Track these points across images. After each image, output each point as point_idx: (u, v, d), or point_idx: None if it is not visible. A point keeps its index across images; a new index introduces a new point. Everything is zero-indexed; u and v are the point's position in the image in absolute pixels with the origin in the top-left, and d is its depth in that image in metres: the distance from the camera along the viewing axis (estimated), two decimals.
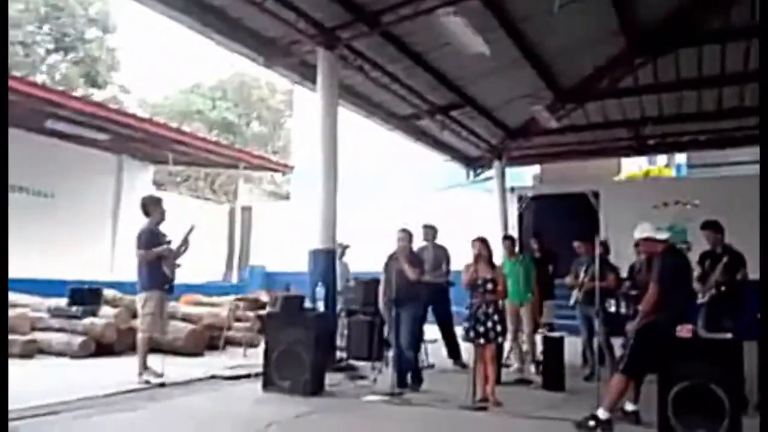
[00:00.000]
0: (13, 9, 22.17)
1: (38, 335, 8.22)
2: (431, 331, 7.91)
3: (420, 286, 6.61)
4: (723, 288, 5.99)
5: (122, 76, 27.43)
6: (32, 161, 11.94)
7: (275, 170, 18.12)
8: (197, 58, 35.45)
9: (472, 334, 5.86)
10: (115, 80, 26.97)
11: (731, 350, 4.51)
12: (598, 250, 6.27)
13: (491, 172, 14.30)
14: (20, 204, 12.00)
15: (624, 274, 7.14)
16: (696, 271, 6.03)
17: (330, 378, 6.49)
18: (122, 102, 24.72)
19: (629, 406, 5.04)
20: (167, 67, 38.62)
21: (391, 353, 6.70)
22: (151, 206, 6.81)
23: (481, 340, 5.81)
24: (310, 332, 6.23)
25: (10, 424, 4.08)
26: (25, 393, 5.33)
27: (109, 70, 26.46)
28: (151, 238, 6.62)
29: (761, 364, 4.49)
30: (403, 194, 16.56)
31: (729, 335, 4.71)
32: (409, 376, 6.49)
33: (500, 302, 6.11)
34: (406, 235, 6.72)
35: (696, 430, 4.27)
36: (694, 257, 6.08)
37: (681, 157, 18.73)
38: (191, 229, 6.80)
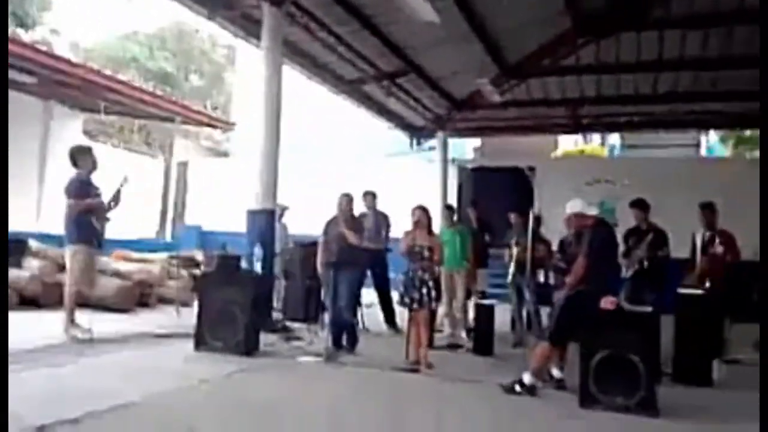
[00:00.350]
0: None
1: None
2: (368, 295, 8.02)
3: (360, 251, 6.67)
4: (646, 263, 6.33)
5: (53, 17, 25.79)
6: None
7: (215, 126, 17.55)
8: (136, 2, 33.69)
9: (407, 299, 5.99)
10: (45, 21, 25.33)
11: (650, 323, 4.79)
12: (531, 223, 6.48)
13: (434, 142, 14.42)
14: None
15: (555, 247, 7.40)
16: (621, 247, 6.33)
17: (265, 339, 6.49)
18: (52, 44, 23.27)
19: (555, 373, 5.29)
20: (103, 11, 36.48)
21: (327, 316, 6.75)
22: (80, 156, 6.55)
23: (416, 306, 5.96)
24: (246, 293, 6.19)
25: None
26: None
27: (39, 10, 24.80)
28: (81, 189, 6.38)
29: (761, 360, 4.74)
30: (347, 159, 16.50)
31: (649, 309, 4.99)
32: (344, 338, 6.58)
33: (436, 269, 6.25)
34: (348, 199, 6.76)
35: (614, 397, 4.54)
36: (619, 234, 6.37)
37: (615, 138, 19.44)
38: (124, 182, 6.58)
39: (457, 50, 10.22)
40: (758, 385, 3.95)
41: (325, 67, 10.78)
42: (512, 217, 7.95)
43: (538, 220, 7.91)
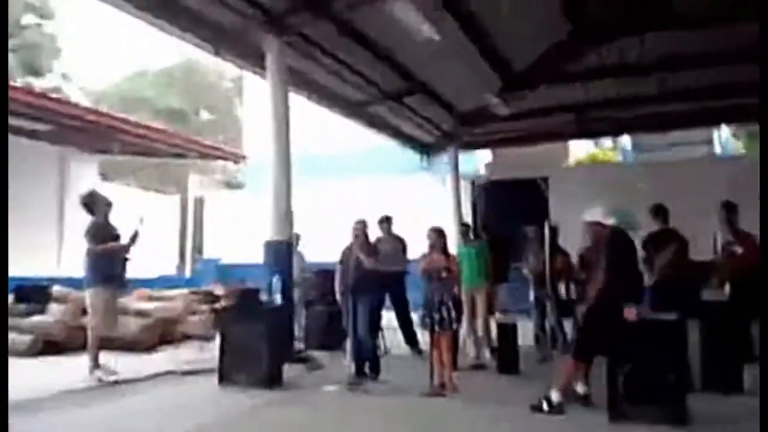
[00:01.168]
0: None
1: None
2: (388, 318, 7.98)
3: (376, 275, 6.65)
4: (669, 270, 6.22)
5: (63, 64, 26.41)
6: None
7: (227, 159, 17.77)
8: (142, 43, 34.36)
9: (427, 321, 5.95)
10: (56, 68, 25.94)
11: (676, 330, 4.70)
12: (547, 235, 6.44)
13: (445, 158, 14.41)
14: None
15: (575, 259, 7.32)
16: (641, 254, 6.23)
17: (288, 369, 6.48)
18: (64, 91, 23.80)
19: (580, 388, 5.16)
20: (111, 54, 37.23)
21: (348, 343, 6.73)
22: (92, 202, 6.66)
23: (437, 327, 5.91)
24: (267, 325, 6.21)
25: None
26: None
27: (49, 57, 25.42)
28: (99, 232, 6.48)
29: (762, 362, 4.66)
30: (358, 181, 16.54)
31: (674, 316, 4.89)
32: (367, 365, 6.53)
33: (456, 289, 6.20)
34: (362, 226, 6.76)
35: (644, 409, 4.44)
36: (638, 239, 6.28)
37: (626, 141, 19.32)
38: (140, 222, 6.67)
39: (460, 66, 10.24)
40: None
41: (331, 92, 10.87)
42: (528, 230, 7.90)
43: (554, 231, 7.86)
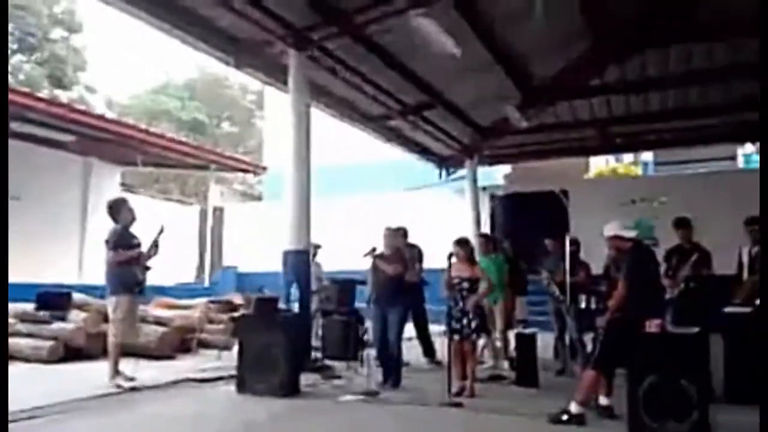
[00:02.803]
0: None
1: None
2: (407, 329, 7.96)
3: (404, 283, 6.64)
4: (691, 284, 6.16)
5: (89, 76, 26.98)
6: None
7: (247, 171, 17.95)
8: (166, 57, 34.95)
9: (447, 329, 5.96)
10: (81, 80, 26.48)
11: (698, 344, 4.63)
12: (568, 248, 6.39)
13: (463, 172, 14.38)
14: None
15: (597, 271, 7.25)
16: (662, 267, 6.17)
17: (305, 378, 6.48)
18: (89, 102, 24.27)
19: (603, 400, 5.12)
20: (135, 67, 38.00)
21: (366, 353, 6.71)
22: (117, 209, 6.71)
23: (456, 337, 5.91)
24: (285, 334, 6.22)
25: None
26: None
27: (75, 70, 25.98)
28: (120, 240, 6.52)
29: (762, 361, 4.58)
30: (374, 193, 16.58)
31: (696, 329, 4.83)
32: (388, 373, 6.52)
33: (484, 301, 6.21)
34: (389, 232, 6.79)
35: (665, 422, 4.37)
36: (660, 253, 6.22)
37: (647, 155, 19.16)
38: (161, 231, 6.73)
39: (481, 79, 10.27)
40: None
41: (351, 105, 10.94)
42: (548, 243, 7.85)
43: (575, 243, 7.78)
